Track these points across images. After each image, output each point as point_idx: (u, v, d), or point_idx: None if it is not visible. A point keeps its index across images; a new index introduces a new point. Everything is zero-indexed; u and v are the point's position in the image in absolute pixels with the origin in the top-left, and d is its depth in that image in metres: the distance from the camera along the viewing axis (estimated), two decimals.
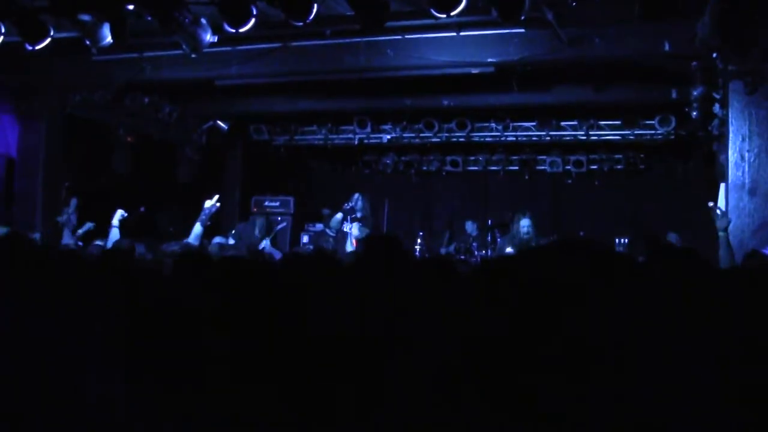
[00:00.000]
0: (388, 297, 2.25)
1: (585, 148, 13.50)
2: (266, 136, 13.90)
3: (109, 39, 7.45)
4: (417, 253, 11.37)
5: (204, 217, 7.37)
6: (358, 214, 10.45)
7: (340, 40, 8.68)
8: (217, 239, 8.77)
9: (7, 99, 10.15)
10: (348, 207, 10.46)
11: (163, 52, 9.09)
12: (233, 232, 10.73)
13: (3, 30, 7.58)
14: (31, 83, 9.97)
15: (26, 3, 7.51)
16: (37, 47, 7.46)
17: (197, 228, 7.26)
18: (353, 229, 10.26)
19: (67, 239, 9.07)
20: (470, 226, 12.38)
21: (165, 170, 12.83)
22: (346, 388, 2.05)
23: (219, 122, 13.17)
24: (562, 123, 12.46)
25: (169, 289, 2.78)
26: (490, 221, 11.83)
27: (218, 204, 7.58)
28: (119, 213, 7.71)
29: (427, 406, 1.75)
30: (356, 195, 10.56)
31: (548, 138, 12.74)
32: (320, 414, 2.06)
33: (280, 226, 10.94)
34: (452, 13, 6.67)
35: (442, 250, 12.22)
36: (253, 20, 7.00)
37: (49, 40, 7.49)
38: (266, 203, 13.39)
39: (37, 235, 8.94)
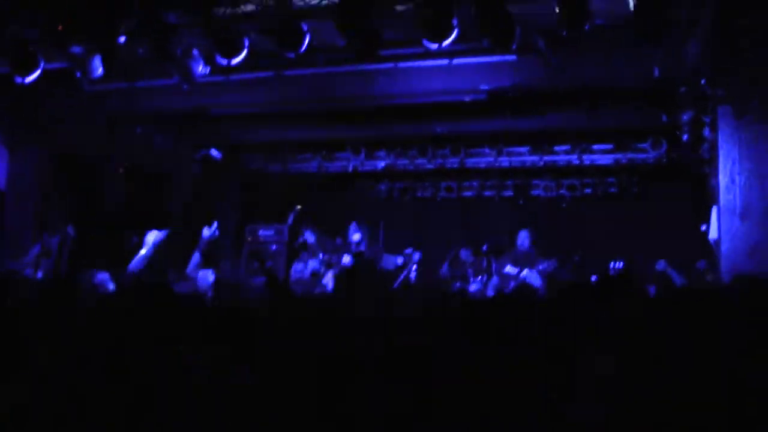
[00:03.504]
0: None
1: (579, 172, 13.51)
2: (260, 165, 13.90)
3: (100, 70, 7.44)
4: (412, 279, 11.37)
5: (203, 245, 7.24)
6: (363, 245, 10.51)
7: (334, 69, 8.69)
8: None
9: None
10: (355, 241, 10.50)
11: (155, 82, 9.07)
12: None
13: None
14: (22, 114, 9.90)
15: (17, 34, 7.48)
16: (27, 80, 7.43)
17: (196, 257, 7.15)
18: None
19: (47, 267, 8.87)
20: (464, 254, 12.36)
21: (158, 200, 12.76)
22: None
23: (212, 151, 13.14)
24: (555, 147, 12.49)
25: None
26: (485, 247, 11.79)
27: (217, 232, 7.44)
28: (156, 234, 6.91)
29: None
30: (353, 224, 10.60)
31: (542, 163, 12.78)
32: None
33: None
34: (444, 43, 6.70)
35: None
36: (245, 52, 7.03)
37: (39, 72, 7.46)
38: (260, 232, 13.26)
39: None
